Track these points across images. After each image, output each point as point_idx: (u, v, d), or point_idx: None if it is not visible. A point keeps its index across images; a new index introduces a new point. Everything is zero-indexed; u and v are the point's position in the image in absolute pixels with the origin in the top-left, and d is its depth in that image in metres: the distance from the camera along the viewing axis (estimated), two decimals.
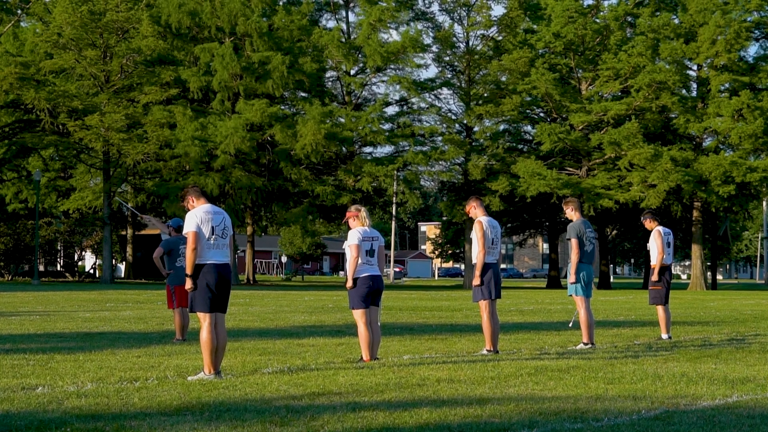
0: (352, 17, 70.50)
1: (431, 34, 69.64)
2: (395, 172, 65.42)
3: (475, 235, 14.60)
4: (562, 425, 8.30)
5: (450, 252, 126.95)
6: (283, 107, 67.37)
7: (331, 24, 71.33)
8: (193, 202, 11.65)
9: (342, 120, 65.21)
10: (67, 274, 78.26)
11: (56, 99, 59.92)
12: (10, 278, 69.41)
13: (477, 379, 11.31)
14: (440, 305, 32.99)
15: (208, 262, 11.28)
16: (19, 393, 9.83)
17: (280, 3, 67.41)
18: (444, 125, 68.97)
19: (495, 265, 14.74)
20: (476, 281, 14.55)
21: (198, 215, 11.38)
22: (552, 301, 38.12)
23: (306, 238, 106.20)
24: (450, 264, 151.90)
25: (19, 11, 65.38)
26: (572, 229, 15.82)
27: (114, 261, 71.99)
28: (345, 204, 65.03)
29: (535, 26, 68.38)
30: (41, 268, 75.89)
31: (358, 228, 13.27)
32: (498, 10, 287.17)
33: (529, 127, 72.97)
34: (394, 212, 79.24)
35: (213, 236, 11.33)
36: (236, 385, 10.58)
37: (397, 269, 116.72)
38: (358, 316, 13.13)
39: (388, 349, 15.09)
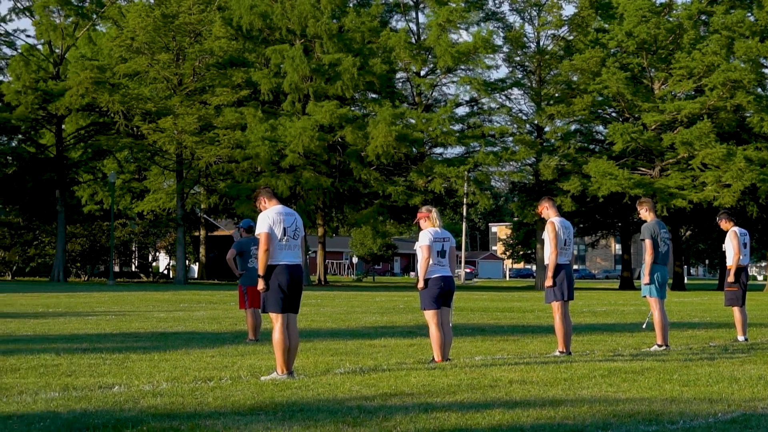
0: (421, 18, 70.55)
1: (501, 34, 69.38)
2: (466, 172, 65.26)
3: (548, 236, 14.51)
4: (636, 427, 8.22)
5: (521, 253, 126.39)
6: (353, 109, 67.53)
7: (401, 25, 71.42)
8: (265, 203, 11.71)
9: (412, 121, 65.20)
10: (141, 275, 79.22)
11: (130, 102, 60.72)
12: (86, 279, 70.40)
13: (550, 380, 11.24)
14: (512, 306, 32.85)
15: (280, 263, 11.33)
16: (96, 392, 9.96)
17: (351, 5, 67.60)
18: (515, 125, 68.68)
19: (567, 266, 14.63)
20: (549, 282, 14.46)
21: (270, 216, 11.43)
22: (625, 303, 37.76)
23: (377, 239, 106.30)
24: (521, 265, 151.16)
25: (94, 16, 66.29)
26: (646, 230, 15.66)
27: (187, 262, 72.63)
28: (416, 205, 65.00)
29: (606, 25, 67.75)
30: (116, 268, 76.92)
31: (429, 229, 13.24)
32: (569, 10, 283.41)
33: (600, 127, 72.36)
34: (464, 213, 79.07)
35: (285, 237, 11.37)
36: (309, 385, 10.62)
37: (468, 270, 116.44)
38: (430, 316, 13.11)
39: (460, 350, 15.06)
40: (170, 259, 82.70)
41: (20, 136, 67.16)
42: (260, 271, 11.29)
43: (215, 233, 76.76)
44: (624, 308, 32.18)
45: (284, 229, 11.40)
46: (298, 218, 11.69)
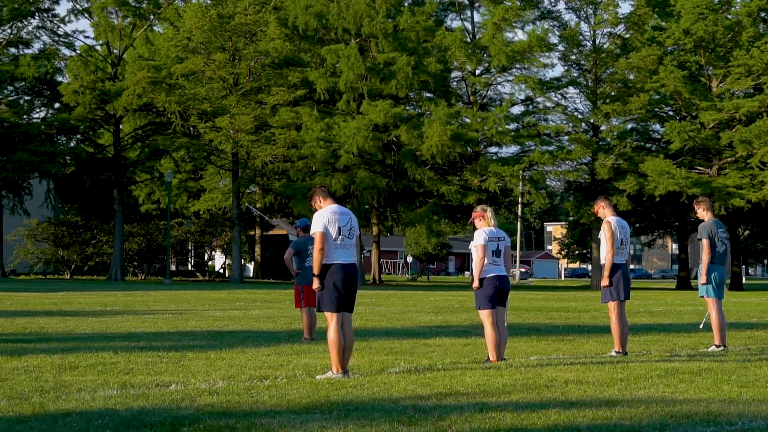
0: (477, 17, 70.38)
1: (557, 32, 69.04)
2: (521, 172, 65.01)
3: (604, 236, 14.43)
4: (694, 429, 8.15)
5: (576, 252, 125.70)
6: (408, 108, 67.52)
7: (456, 24, 71.36)
8: (320, 202, 11.74)
9: (467, 120, 65.08)
10: (197, 274, 79.82)
11: (187, 102, 61.20)
12: (143, 277, 71.06)
13: (606, 380, 11.18)
14: (567, 306, 32.69)
15: (335, 262, 11.35)
16: (154, 390, 10.05)
17: (406, 4, 67.61)
18: (570, 124, 68.31)
19: (624, 265, 14.55)
20: (605, 282, 14.39)
21: (325, 216, 11.47)
22: (682, 303, 37.43)
23: (431, 239, 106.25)
24: (576, 264, 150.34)
25: (151, 16, 66.91)
26: (704, 230, 15.52)
27: (243, 261, 73.11)
28: (470, 204, 64.84)
29: (663, 23, 67.18)
30: (173, 267, 77.55)
31: (484, 228, 13.22)
32: (625, 8, 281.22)
33: (657, 126, 71.73)
34: (519, 212, 78.87)
35: (340, 236, 11.40)
36: (364, 384, 10.63)
37: (523, 269, 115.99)
38: (485, 316, 13.09)
39: (516, 349, 15.02)
40: (226, 258, 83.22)
41: (79, 136, 67.94)
42: (315, 270, 11.32)
43: (270, 232, 77.10)
44: (681, 308, 31.90)
45: (339, 228, 11.42)
46: (353, 217, 11.70)
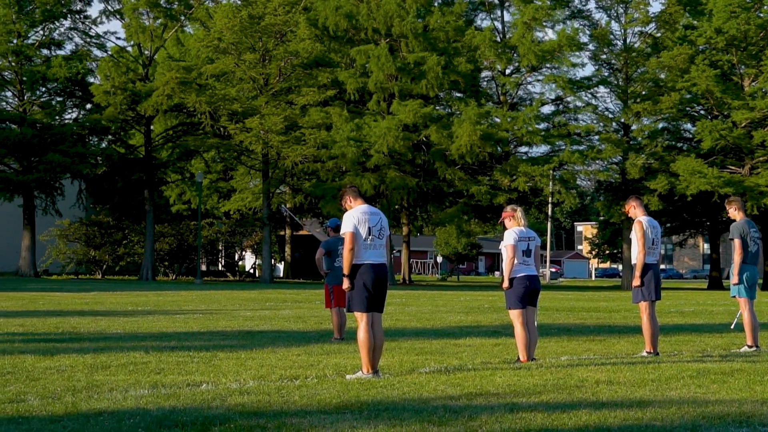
0: (507, 16, 70.26)
1: (587, 32, 68.83)
2: (551, 171, 64.84)
3: (635, 235, 14.37)
4: (726, 430, 8.10)
5: (607, 252, 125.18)
6: (438, 108, 67.49)
7: (486, 23, 71.21)
8: (350, 202, 11.74)
9: (497, 120, 64.98)
10: (228, 274, 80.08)
11: (217, 102, 61.42)
12: (174, 277, 71.34)
13: (637, 381, 11.13)
14: (598, 306, 32.57)
15: (365, 262, 11.36)
16: (185, 389, 10.09)
17: (436, 4, 67.58)
18: (601, 124, 68.07)
19: (655, 265, 14.49)
20: (636, 282, 14.33)
21: (355, 216, 11.47)
22: (713, 303, 37.22)
23: (461, 238, 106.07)
24: (607, 264, 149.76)
25: (182, 17, 67.19)
26: (735, 229, 15.43)
27: (273, 261, 73.22)
28: (500, 204, 64.73)
29: (695, 22, 66.82)
30: (203, 267, 77.85)
31: (514, 228, 13.20)
32: (656, 7, 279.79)
33: (688, 125, 71.38)
34: (549, 212, 78.65)
35: (370, 237, 11.40)
36: (394, 384, 10.63)
37: (553, 269, 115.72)
38: (515, 316, 13.08)
39: (546, 350, 14.98)
40: (256, 258, 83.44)
41: (110, 136, 68.31)
42: (345, 270, 11.33)
43: (300, 233, 77.22)
44: (713, 308, 31.72)
45: (369, 228, 11.41)
46: (383, 217, 11.69)
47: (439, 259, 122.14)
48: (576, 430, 8.04)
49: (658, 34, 67.85)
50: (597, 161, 67.14)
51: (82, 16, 67.28)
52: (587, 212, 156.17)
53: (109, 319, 21.81)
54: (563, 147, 65.30)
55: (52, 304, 28.05)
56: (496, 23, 70.20)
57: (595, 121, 68.19)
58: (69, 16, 66.58)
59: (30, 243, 65.14)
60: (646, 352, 14.34)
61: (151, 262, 65.01)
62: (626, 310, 28.82)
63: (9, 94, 66.75)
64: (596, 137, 66.91)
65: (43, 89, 66.80)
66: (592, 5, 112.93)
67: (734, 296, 15.50)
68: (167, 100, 60.78)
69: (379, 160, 60.78)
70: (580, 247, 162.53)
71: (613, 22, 69.52)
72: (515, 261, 13.03)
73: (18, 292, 37.66)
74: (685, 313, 27.98)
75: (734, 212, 15.73)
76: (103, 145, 69.08)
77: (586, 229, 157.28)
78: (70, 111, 69.09)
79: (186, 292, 41.65)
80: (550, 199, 71.14)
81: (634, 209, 14.66)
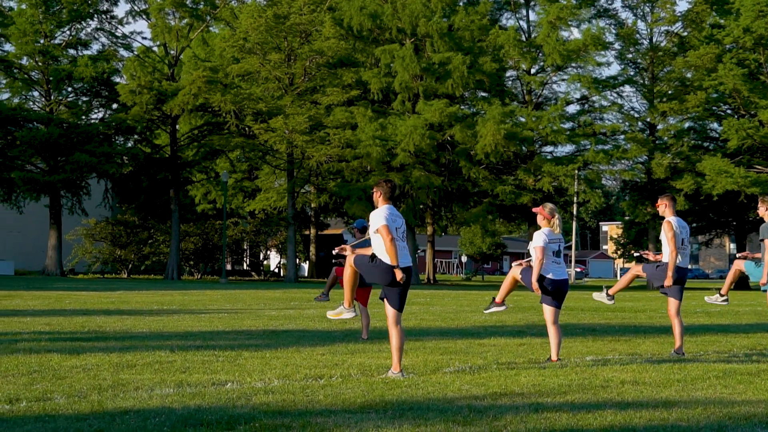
0: (532, 16, 70.14)
1: (613, 31, 68.64)
2: (576, 171, 64.67)
3: (665, 236, 14.24)
4: (753, 430, 8.05)
5: (632, 252, 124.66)
6: (462, 107, 67.43)
7: (511, 23, 71.11)
8: (380, 199, 11.56)
9: (522, 119, 64.86)
10: (252, 273, 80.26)
11: (242, 102, 61.58)
12: (199, 276, 71.57)
13: (663, 381, 11.08)
14: (623, 306, 32.44)
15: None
16: (210, 388, 10.11)
17: (461, 3, 67.52)
18: (626, 123, 67.85)
19: (685, 268, 14.39)
20: (668, 282, 14.22)
21: (385, 214, 11.30)
22: (740, 303, 37.01)
23: (486, 238, 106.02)
24: (632, 264, 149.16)
25: (208, 17, 67.40)
26: (765, 230, 15.30)
27: (298, 260, 73.36)
28: (525, 204, 64.69)
29: (722, 21, 66.49)
30: (228, 266, 78.03)
31: (545, 229, 13.13)
32: (683, 6, 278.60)
33: (715, 125, 71.05)
34: (575, 212, 78.41)
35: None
36: (419, 384, 10.63)
37: (578, 269, 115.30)
38: (548, 313, 13.07)
39: (571, 350, 14.94)
40: (281, 258, 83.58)
41: (136, 136, 68.60)
42: (393, 262, 11.14)
43: (325, 232, 77.31)
44: (739, 309, 31.54)
45: (395, 229, 11.30)
46: (403, 220, 11.66)
47: (464, 258, 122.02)
48: (601, 430, 8.01)
49: (685, 33, 67.59)
50: (622, 161, 66.95)
51: (108, 16, 67.66)
52: (612, 212, 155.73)
53: (135, 318, 21.89)
54: (588, 146, 65.13)
55: (78, 303, 28.17)
56: (521, 22, 70.10)
57: (620, 121, 67.98)
58: (95, 16, 66.95)
59: (56, 242, 65.49)
60: (674, 351, 14.33)
61: (176, 262, 65.24)
62: (651, 311, 28.71)
63: (36, 94, 67.21)
64: (622, 137, 66.71)
65: (70, 89, 67.18)
66: (618, 4, 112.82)
67: (766, 290, 15.30)
68: (193, 99, 60.98)
69: (404, 159, 60.79)
70: (605, 246, 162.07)
71: (639, 21, 69.35)
72: (546, 261, 12.95)
73: (44, 291, 37.86)
74: (711, 314, 27.83)
75: (765, 212, 15.55)
76: (129, 144, 69.40)
77: (611, 229, 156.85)
78: (96, 111, 69.51)
79: (211, 291, 41.76)
80: (575, 198, 70.95)
81: (665, 207, 14.51)
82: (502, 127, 59.95)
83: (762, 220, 15.55)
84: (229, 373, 11.39)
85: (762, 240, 15.27)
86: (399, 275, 11.16)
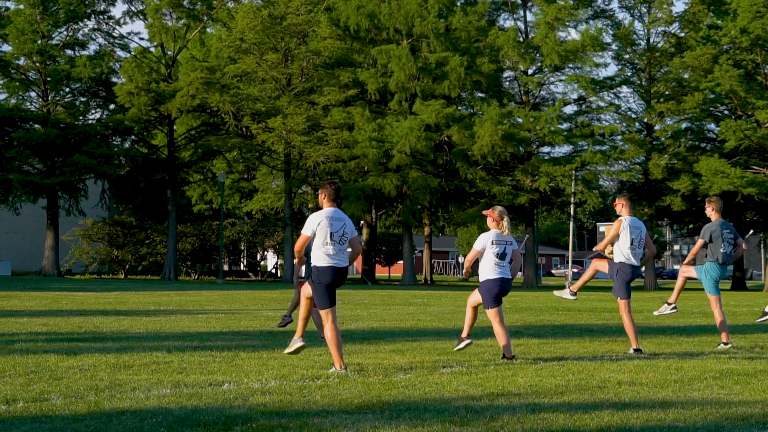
0: (530, 16, 70.15)
1: (611, 31, 68.67)
2: (573, 171, 64.71)
3: (610, 229, 14.73)
4: (750, 431, 8.06)
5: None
6: (460, 108, 67.45)
7: (509, 23, 71.20)
8: (324, 201, 12.05)
9: (520, 120, 64.89)
10: (250, 274, 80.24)
11: (240, 102, 61.54)
12: (196, 277, 71.55)
13: (659, 382, 11.09)
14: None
15: (325, 265, 11.84)
16: (207, 389, 10.11)
17: (458, 4, 67.53)
18: (624, 124, 67.89)
19: (637, 267, 14.73)
20: (598, 247, 14.81)
21: (319, 219, 11.82)
22: (737, 303, 37.05)
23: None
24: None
25: (205, 18, 67.40)
26: (706, 231, 15.79)
27: (295, 261, 73.23)
28: (522, 204, 64.73)
29: (719, 21, 66.56)
30: (225, 267, 78.01)
31: (492, 231, 13.48)
32: (679, 6, 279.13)
33: (712, 125, 71.11)
34: (572, 212, 78.41)
35: (331, 241, 11.79)
36: (416, 384, 10.64)
37: (575, 270, 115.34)
38: (492, 315, 13.36)
39: (568, 350, 14.96)
40: (278, 258, 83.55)
41: (133, 137, 68.57)
42: (296, 261, 12.36)
43: None
44: (735, 309, 31.58)
45: (331, 233, 11.78)
46: (347, 223, 12.00)
47: (461, 259, 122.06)
48: (598, 431, 8.02)
49: (682, 34, 67.66)
50: (619, 161, 66.99)
51: (105, 16, 67.61)
52: (609, 212, 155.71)
53: (132, 318, 21.89)
54: (586, 147, 65.17)
55: (75, 304, 28.17)
56: (518, 23, 70.12)
57: (617, 122, 68.02)
58: (93, 16, 66.91)
59: (53, 243, 65.46)
60: (633, 350, 14.60)
61: (173, 262, 65.22)
62: (648, 311, 28.72)
63: (33, 94, 67.15)
64: (619, 137, 66.74)
65: (67, 89, 67.14)
66: (615, 5, 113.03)
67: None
68: (191, 100, 60.98)
69: (401, 160, 60.82)
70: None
71: (636, 21, 69.41)
72: (489, 263, 13.28)
73: (41, 291, 37.85)
74: (708, 314, 27.86)
75: (712, 212, 15.89)
76: (126, 145, 69.35)
77: (608, 230, 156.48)
78: (93, 111, 69.47)
79: (208, 291, 41.75)
80: (572, 199, 70.97)
81: (622, 207, 14.91)
82: (499, 128, 59.97)
83: (709, 220, 15.95)
84: (226, 374, 11.39)
85: (709, 240, 15.64)
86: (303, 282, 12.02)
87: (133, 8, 67.81)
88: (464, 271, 13.58)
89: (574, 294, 15.51)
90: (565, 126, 67.03)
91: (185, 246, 70.16)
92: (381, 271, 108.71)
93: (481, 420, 8.35)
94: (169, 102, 61.75)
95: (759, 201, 65.52)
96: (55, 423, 8.05)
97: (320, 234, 11.74)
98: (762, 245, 79.43)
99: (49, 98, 65.98)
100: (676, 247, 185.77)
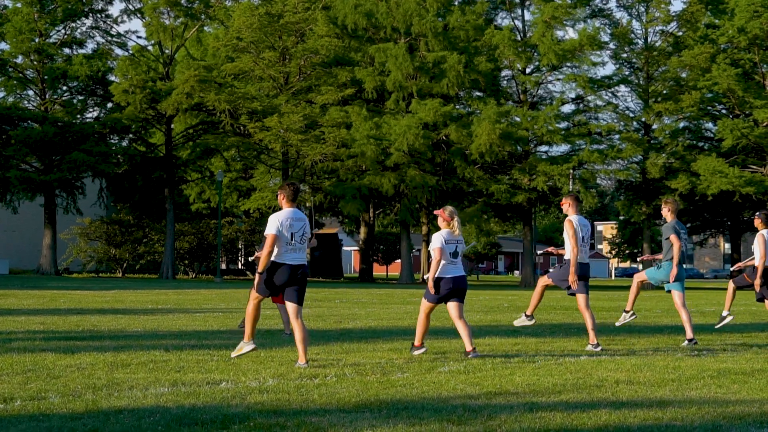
0: (527, 15, 70.15)
1: (608, 30, 68.68)
2: (571, 170, 64.72)
3: (567, 233, 14.87)
4: (747, 430, 8.07)
5: (627, 252, 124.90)
6: (457, 107, 67.44)
7: (506, 22, 71.10)
8: (283, 201, 12.36)
9: (517, 119, 64.89)
10: (248, 272, 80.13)
11: (237, 101, 61.48)
12: (194, 276, 71.50)
13: (657, 381, 11.10)
14: (617, 305, 32.47)
15: (285, 263, 12.09)
16: (204, 387, 10.11)
17: (456, 2, 67.52)
18: (621, 123, 67.89)
19: (587, 264, 15.08)
20: (572, 278, 14.85)
21: (280, 219, 12.11)
22: (734, 303, 37.01)
23: (481, 238, 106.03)
24: (627, 264, 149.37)
25: (202, 16, 67.36)
26: (666, 229, 16.31)
27: None
28: (520, 203, 64.74)
29: (716, 21, 66.58)
30: (223, 266, 77.95)
31: (443, 231, 13.74)
32: (677, 5, 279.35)
33: (710, 124, 71.16)
34: None
35: (292, 241, 12.09)
36: (413, 383, 10.64)
37: None
38: (425, 307, 13.72)
39: (565, 349, 14.97)
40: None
41: (131, 135, 68.51)
42: (260, 269, 12.11)
43: (320, 231, 77.25)
44: (733, 308, 31.56)
45: (292, 234, 12.11)
46: (306, 223, 12.32)
47: None
48: (595, 430, 8.02)
49: (680, 33, 67.67)
50: (617, 160, 67.02)
51: (103, 15, 67.57)
52: (607, 212, 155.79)
53: (130, 317, 21.88)
54: (583, 146, 65.18)
55: (72, 303, 28.16)
56: (516, 22, 70.13)
57: (615, 121, 68.03)
58: (90, 14, 66.87)
59: (51, 241, 65.42)
60: (591, 345, 14.92)
61: (171, 261, 65.18)
62: (646, 310, 28.75)
63: (31, 92, 67.10)
64: (617, 136, 66.76)
65: (65, 88, 67.09)
66: (612, 4, 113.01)
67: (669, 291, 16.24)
68: (187, 99, 60.92)
69: (398, 159, 60.80)
70: (600, 246, 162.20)
71: (634, 20, 69.48)
72: (443, 262, 13.50)
73: (39, 290, 37.83)
74: (706, 313, 27.90)
75: (667, 212, 16.18)
76: (124, 143, 69.31)
77: (606, 229, 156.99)
78: (91, 110, 69.41)
79: (206, 290, 41.74)
80: None
81: (568, 206, 15.19)
82: (497, 127, 59.97)
83: (665, 221, 16.20)
84: (224, 373, 11.39)
85: (667, 238, 15.86)
86: (257, 279, 12.12)
87: (130, 6, 67.82)
88: (430, 284, 13.59)
89: (531, 317, 15.79)
90: (562, 125, 67.05)
91: (183, 245, 70.09)
92: (379, 270, 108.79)
93: (479, 419, 8.35)
94: (166, 100, 61.69)
95: (757, 200, 65.56)
96: (53, 421, 8.05)
97: (282, 234, 12.05)
98: None
99: (47, 97, 65.93)
100: None
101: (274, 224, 12.04)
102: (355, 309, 26.98)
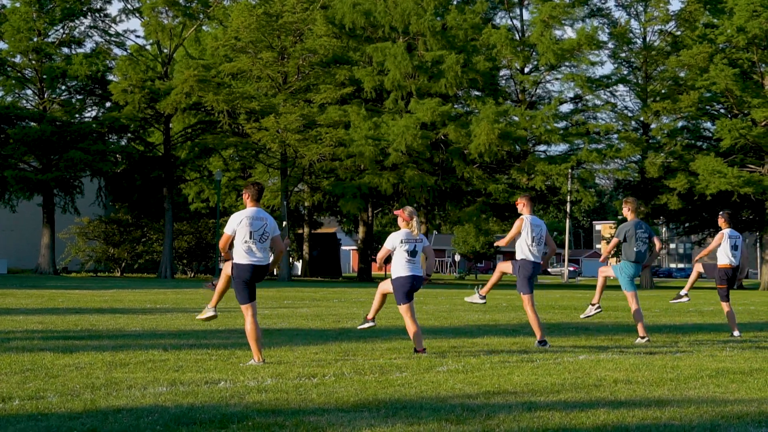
0: (526, 14, 70.19)
1: (607, 30, 68.73)
2: (569, 170, 64.74)
3: (513, 228, 15.25)
4: (745, 429, 8.07)
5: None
6: (456, 106, 67.44)
7: (505, 22, 71.14)
8: (247, 200, 12.55)
9: (516, 119, 64.90)
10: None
11: (235, 101, 61.44)
12: (192, 275, 71.48)
13: (655, 380, 11.10)
14: (616, 305, 32.47)
15: (244, 262, 12.25)
16: (203, 387, 10.11)
17: (454, 2, 67.52)
18: (620, 122, 67.92)
19: (538, 264, 15.33)
20: (501, 243, 15.29)
21: (239, 218, 12.33)
22: (733, 302, 36.99)
23: (479, 237, 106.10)
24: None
25: (201, 16, 67.33)
26: (621, 231, 16.64)
27: (291, 259, 73.27)
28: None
29: (715, 20, 66.59)
30: (221, 265, 77.84)
31: (402, 231, 14.02)
32: (676, 5, 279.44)
33: (708, 124, 71.18)
34: (568, 211, 78.53)
35: (251, 240, 12.24)
36: (412, 383, 10.63)
37: (571, 268, 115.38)
38: (404, 310, 13.89)
39: (564, 348, 14.97)
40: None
41: (129, 134, 68.48)
42: (225, 269, 12.53)
43: (319, 231, 77.26)
44: (733, 308, 31.54)
45: (250, 232, 12.26)
46: (268, 223, 12.44)
47: (457, 257, 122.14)
48: (594, 430, 8.02)
49: (678, 33, 67.70)
50: (616, 160, 67.06)
51: (101, 14, 67.51)
52: (606, 211, 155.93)
53: (128, 316, 21.87)
54: (582, 146, 65.22)
55: (71, 302, 28.14)
56: (514, 21, 70.18)
57: (614, 120, 68.07)
58: (89, 14, 66.83)
59: (49, 241, 65.39)
60: (538, 341, 15.11)
61: (169, 260, 65.16)
62: (644, 309, 28.75)
63: (29, 92, 67.07)
64: (615, 136, 66.80)
65: (63, 87, 67.05)
66: (611, 3, 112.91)
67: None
68: (185, 98, 60.90)
69: (397, 159, 60.79)
70: (598, 246, 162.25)
71: (632, 20, 69.51)
72: (401, 261, 13.78)
73: (37, 289, 37.81)
74: (704, 313, 27.90)
75: (627, 212, 16.61)
76: (123, 142, 69.27)
77: (604, 228, 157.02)
78: (89, 109, 69.40)
79: (204, 290, 41.69)
80: (568, 197, 71.03)
81: (522, 206, 15.50)
82: (495, 127, 59.97)
83: (625, 219, 16.41)
84: (222, 372, 11.39)
85: (614, 237, 16.24)
86: (227, 270, 12.40)
87: (129, 6, 67.79)
88: (377, 265, 14.15)
89: (483, 297, 16.09)
90: (561, 124, 67.11)
91: (181, 244, 70.06)
92: (377, 270, 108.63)
93: (477, 418, 8.35)
94: (165, 100, 61.66)
95: (755, 200, 65.58)
96: (51, 421, 8.04)
97: (240, 233, 12.23)
98: (758, 244, 79.44)
99: (45, 96, 65.89)
100: (672, 246, 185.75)
101: (231, 224, 12.26)
102: (354, 309, 26.98)
